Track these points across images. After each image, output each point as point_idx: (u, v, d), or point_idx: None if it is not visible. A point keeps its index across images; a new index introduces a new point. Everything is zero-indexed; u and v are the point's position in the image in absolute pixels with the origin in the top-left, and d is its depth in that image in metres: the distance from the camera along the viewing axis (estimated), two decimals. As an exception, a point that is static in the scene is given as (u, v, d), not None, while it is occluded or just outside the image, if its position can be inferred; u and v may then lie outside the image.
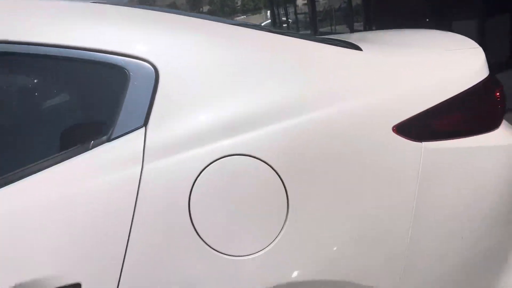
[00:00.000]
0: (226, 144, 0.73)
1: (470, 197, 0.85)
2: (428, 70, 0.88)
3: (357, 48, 0.94)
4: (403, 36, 1.21)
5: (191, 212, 0.71)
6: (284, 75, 0.80)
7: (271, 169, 0.74)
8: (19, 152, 0.76)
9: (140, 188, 0.70)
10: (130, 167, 0.71)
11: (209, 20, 0.89)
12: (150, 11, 0.90)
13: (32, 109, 0.79)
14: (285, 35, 0.91)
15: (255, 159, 0.73)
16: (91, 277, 0.68)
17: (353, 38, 1.16)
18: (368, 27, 7.46)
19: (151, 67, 0.75)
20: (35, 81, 0.82)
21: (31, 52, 0.73)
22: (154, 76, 0.75)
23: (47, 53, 0.73)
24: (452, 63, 0.91)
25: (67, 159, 0.71)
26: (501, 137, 0.89)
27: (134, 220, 0.69)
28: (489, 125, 0.90)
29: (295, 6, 13.57)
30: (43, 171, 0.70)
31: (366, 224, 0.80)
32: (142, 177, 0.70)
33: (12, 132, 0.78)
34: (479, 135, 0.87)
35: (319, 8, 11.58)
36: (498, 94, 0.93)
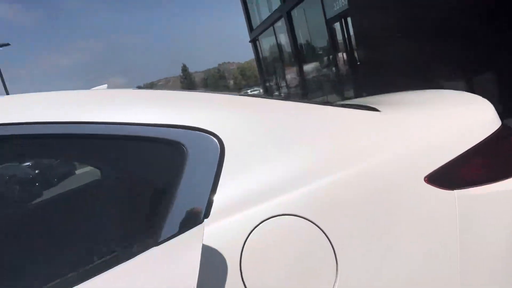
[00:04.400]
0: (272, 205, 0.76)
1: (506, 235, 0.88)
2: (447, 124, 0.95)
3: (375, 109, 1.02)
4: (414, 96, 1.30)
5: (242, 271, 0.72)
6: (316, 138, 0.86)
7: (316, 226, 0.76)
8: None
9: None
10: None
11: (256, 98, 0.98)
12: (202, 93, 0.98)
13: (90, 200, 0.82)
14: (309, 103, 0.99)
15: (300, 218, 0.76)
16: None
17: (367, 101, 1.25)
18: (359, 94, 7.84)
19: (215, 139, 0.81)
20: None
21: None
22: (219, 149, 0.80)
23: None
24: (467, 116, 0.99)
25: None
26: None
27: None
28: (509, 171, 0.94)
29: (286, 80, 14.34)
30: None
31: (415, 274, 0.80)
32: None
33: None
34: (503, 180, 0.92)
35: (309, 79, 12.21)
36: None
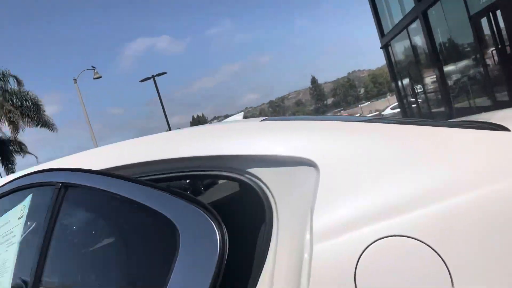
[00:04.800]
0: (383, 226, 0.80)
1: None
2: None
3: (504, 128, 0.95)
4: None
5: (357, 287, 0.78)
6: (430, 161, 0.87)
7: (431, 249, 0.77)
8: None
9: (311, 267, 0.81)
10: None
11: (357, 121, 1.05)
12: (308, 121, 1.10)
13: None
14: (418, 124, 1.00)
15: (413, 239, 0.78)
16: None
17: (497, 117, 1.16)
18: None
19: (312, 166, 0.91)
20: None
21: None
22: (315, 174, 0.90)
23: None
24: None
25: None
26: None
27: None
28: None
29: (424, 84, 13.26)
30: None
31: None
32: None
33: None
34: None
35: (451, 83, 11.04)
36: None
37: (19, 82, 18.81)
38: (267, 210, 0.94)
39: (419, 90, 14.01)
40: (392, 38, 14.36)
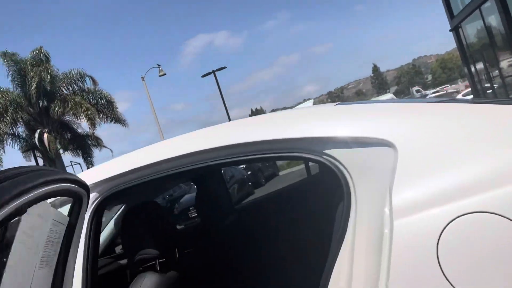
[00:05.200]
0: (465, 203, 0.83)
1: None
2: None
3: None
4: None
5: (440, 261, 0.81)
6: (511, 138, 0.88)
7: None
8: None
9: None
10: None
11: (432, 102, 1.07)
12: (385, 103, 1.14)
13: None
14: (495, 103, 1.00)
15: (497, 215, 0.80)
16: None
17: None
18: None
19: (390, 147, 0.95)
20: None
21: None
22: (394, 154, 0.94)
23: None
24: None
25: None
26: None
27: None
28: None
29: (499, 69, 12.17)
30: None
31: None
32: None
33: None
34: None
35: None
36: None
37: (94, 82, 20.44)
38: (345, 189, 1.00)
39: (495, 75, 12.88)
40: (463, 19, 13.33)
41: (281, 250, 2.20)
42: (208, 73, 21.62)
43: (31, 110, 18.86)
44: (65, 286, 1.06)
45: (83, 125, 20.29)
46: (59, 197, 1.05)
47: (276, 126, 1.13)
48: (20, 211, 0.83)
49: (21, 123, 19.11)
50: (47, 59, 18.82)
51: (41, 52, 18.69)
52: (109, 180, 1.22)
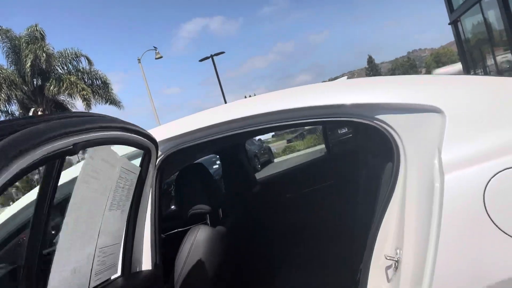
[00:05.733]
0: (507, 159, 0.96)
1: None
2: None
3: None
4: None
5: (487, 208, 0.94)
6: None
7: None
8: None
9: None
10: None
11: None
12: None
13: None
14: None
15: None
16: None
17: None
18: None
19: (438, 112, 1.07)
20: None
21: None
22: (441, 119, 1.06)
23: None
24: None
25: None
26: None
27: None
28: None
29: (496, 63, 12.38)
30: None
31: None
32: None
33: None
34: None
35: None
36: None
37: (89, 62, 20.20)
38: (395, 150, 1.11)
39: (491, 69, 13.10)
40: (463, 13, 13.45)
41: (311, 218, 2.39)
42: (206, 58, 21.51)
43: (25, 88, 18.63)
44: (138, 229, 1.16)
45: (77, 105, 20.14)
46: (131, 149, 1.12)
47: (328, 94, 1.24)
48: (72, 150, 0.81)
49: (15, 101, 18.90)
50: (42, 37, 18.51)
51: (36, 30, 18.38)
52: (171, 139, 1.32)
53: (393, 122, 1.13)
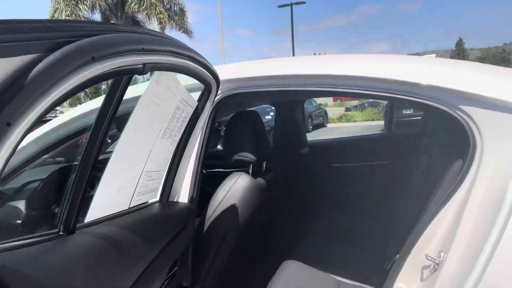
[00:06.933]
0: None
1: None
2: None
3: None
4: None
5: None
6: None
7: None
8: None
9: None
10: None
11: None
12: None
13: None
14: None
15: None
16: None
17: None
18: None
19: None
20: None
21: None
22: None
23: None
24: None
25: None
26: None
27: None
28: None
29: None
30: None
31: None
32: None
33: None
34: None
35: None
36: None
37: (171, -14, 20.29)
38: (471, 148, 1.00)
39: None
40: None
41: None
42: (286, 5, 20.74)
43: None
44: (183, 162, 1.18)
45: (152, 28, 20.61)
46: (190, 81, 1.10)
47: (414, 69, 1.11)
48: (140, 69, 0.77)
49: (98, 10, 19.70)
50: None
51: None
52: (232, 81, 1.28)
53: (479, 118, 1.00)
